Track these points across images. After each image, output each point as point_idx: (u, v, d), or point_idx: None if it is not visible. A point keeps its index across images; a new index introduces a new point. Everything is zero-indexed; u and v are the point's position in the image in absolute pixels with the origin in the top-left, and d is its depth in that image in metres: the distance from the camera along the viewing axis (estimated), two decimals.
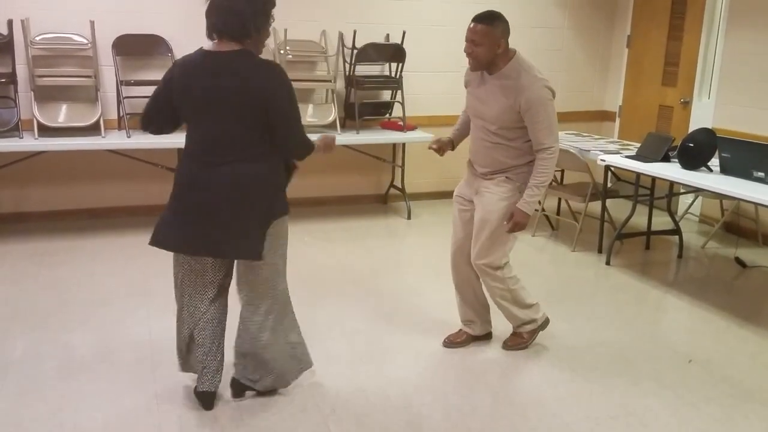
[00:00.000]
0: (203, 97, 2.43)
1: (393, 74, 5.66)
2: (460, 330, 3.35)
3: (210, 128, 2.46)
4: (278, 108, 2.43)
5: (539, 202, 5.24)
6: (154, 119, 2.58)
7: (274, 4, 2.52)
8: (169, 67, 2.59)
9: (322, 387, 2.89)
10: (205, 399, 2.68)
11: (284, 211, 2.59)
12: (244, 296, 2.68)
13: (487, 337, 3.38)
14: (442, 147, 3.27)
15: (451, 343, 3.32)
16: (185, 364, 2.75)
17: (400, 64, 5.55)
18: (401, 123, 5.60)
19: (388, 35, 5.71)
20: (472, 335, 3.34)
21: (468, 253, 3.16)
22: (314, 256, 4.55)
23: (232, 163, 2.46)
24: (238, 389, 2.75)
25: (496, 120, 2.99)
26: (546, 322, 3.35)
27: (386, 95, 5.79)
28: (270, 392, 2.78)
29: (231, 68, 2.40)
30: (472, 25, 2.99)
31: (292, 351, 2.75)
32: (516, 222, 2.99)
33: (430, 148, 3.31)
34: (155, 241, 2.59)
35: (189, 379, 2.89)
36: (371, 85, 5.57)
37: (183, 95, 2.47)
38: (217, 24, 2.42)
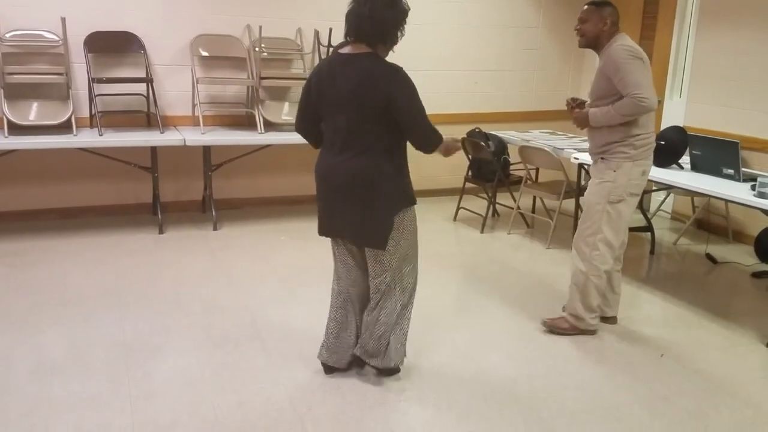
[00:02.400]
0: (334, 92, 2.62)
1: None
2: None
3: (339, 123, 2.65)
4: (400, 106, 2.58)
5: (514, 200, 5.29)
6: (302, 127, 2.82)
7: (407, 16, 2.68)
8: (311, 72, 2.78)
9: (300, 385, 2.88)
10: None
11: (409, 202, 2.76)
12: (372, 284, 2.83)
13: (611, 320, 3.59)
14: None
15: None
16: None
17: None
18: None
19: None
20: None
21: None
22: (290, 254, 4.53)
23: (357, 156, 2.64)
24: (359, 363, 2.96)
25: (594, 92, 3.26)
26: (593, 332, 3.47)
27: None
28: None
29: (359, 68, 2.58)
30: (583, 9, 3.26)
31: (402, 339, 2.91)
32: (576, 116, 3.31)
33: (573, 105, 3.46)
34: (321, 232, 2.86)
35: (162, 381, 2.87)
36: None
37: (319, 94, 2.67)
38: (357, 29, 2.60)
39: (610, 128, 3.23)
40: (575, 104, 3.44)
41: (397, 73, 2.59)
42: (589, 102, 3.37)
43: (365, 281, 2.87)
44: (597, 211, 3.29)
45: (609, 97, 3.18)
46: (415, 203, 2.80)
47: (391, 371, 2.92)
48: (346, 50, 2.64)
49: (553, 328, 3.47)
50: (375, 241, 2.71)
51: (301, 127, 2.83)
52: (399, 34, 2.65)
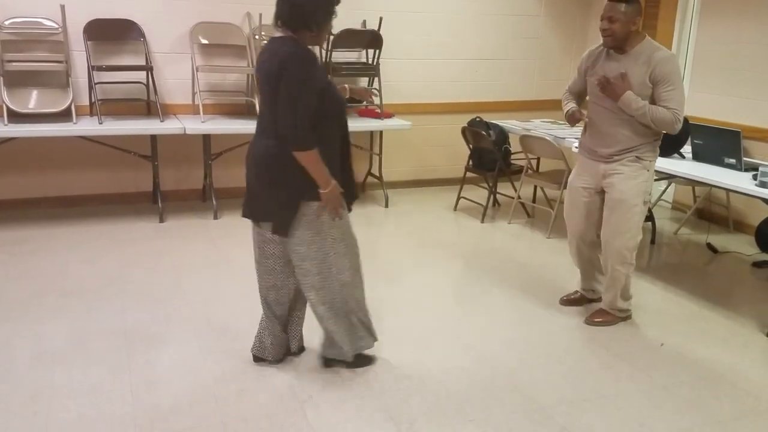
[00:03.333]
0: (258, 77, 2.64)
1: (370, 61, 5.64)
2: (576, 291, 3.72)
3: (261, 106, 2.66)
4: (281, 85, 2.47)
5: (515, 190, 5.28)
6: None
7: (338, 1, 2.61)
8: None
9: (300, 372, 2.89)
10: None
11: (317, 196, 2.59)
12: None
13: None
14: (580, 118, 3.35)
15: (566, 301, 3.70)
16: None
17: (377, 51, 5.53)
18: (378, 110, 5.58)
19: (364, 21, 5.68)
20: (588, 298, 3.68)
21: (589, 240, 3.45)
22: None
23: (267, 138, 2.60)
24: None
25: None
26: (629, 317, 3.54)
27: (363, 82, 5.76)
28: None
29: (272, 51, 2.55)
30: (608, 4, 3.09)
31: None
32: (610, 87, 3.09)
33: (577, 117, 3.34)
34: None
35: (163, 369, 2.88)
36: (348, 71, 5.54)
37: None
38: (277, 14, 2.55)
39: (639, 129, 3.16)
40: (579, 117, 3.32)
41: (295, 54, 2.48)
42: (600, 103, 3.23)
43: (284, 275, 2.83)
44: (636, 213, 3.23)
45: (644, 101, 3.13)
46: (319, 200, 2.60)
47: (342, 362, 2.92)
48: (275, 34, 2.63)
49: (602, 324, 3.46)
50: (276, 225, 2.66)
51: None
52: (325, 17, 2.56)
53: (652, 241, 4.92)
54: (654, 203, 5.57)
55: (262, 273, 2.86)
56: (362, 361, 2.95)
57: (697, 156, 4.18)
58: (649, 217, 4.94)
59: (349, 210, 2.76)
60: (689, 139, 4.24)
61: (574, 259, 3.60)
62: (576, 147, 4.52)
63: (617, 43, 3.10)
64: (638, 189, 3.21)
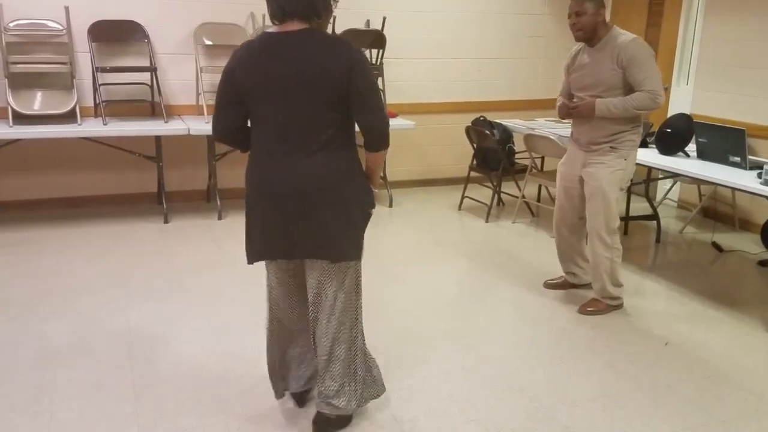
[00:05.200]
0: (275, 81, 2.15)
1: (373, 61, 5.64)
2: (561, 276, 3.90)
3: (284, 115, 2.18)
4: (358, 83, 2.15)
5: (519, 189, 5.27)
6: (222, 117, 2.29)
7: None
8: (229, 59, 2.27)
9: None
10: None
11: (371, 204, 2.36)
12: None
13: (586, 286, 3.80)
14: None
15: (550, 285, 3.89)
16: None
17: (381, 51, 5.53)
18: None
19: (368, 21, 5.68)
20: (570, 282, 3.86)
21: (570, 222, 3.66)
22: None
23: (315, 152, 2.19)
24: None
25: (602, 83, 3.28)
26: (621, 305, 3.65)
27: None
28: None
29: (302, 48, 2.14)
30: (574, 2, 3.29)
31: None
32: (579, 108, 3.31)
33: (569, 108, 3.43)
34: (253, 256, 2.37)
35: (166, 369, 2.88)
36: None
37: (251, 84, 2.19)
38: (285, 5, 2.16)
39: (618, 119, 3.31)
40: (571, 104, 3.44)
41: (350, 47, 2.18)
42: (581, 95, 3.42)
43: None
44: (613, 200, 3.39)
45: (615, 89, 3.27)
46: (373, 207, 2.39)
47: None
48: (278, 30, 2.20)
49: (594, 313, 3.56)
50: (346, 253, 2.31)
51: (224, 128, 2.30)
52: (332, 3, 2.24)
53: (657, 240, 4.90)
54: (659, 202, 5.55)
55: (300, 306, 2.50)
56: None
57: (702, 154, 4.16)
58: (654, 216, 4.92)
59: None
60: (694, 137, 4.22)
61: (556, 240, 3.80)
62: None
63: (588, 35, 3.30)
64: (614, 177, 3.36)
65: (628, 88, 3.25)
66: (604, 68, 3.27)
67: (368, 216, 2.38)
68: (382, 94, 2.32)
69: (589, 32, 3.28)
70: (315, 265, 2.32)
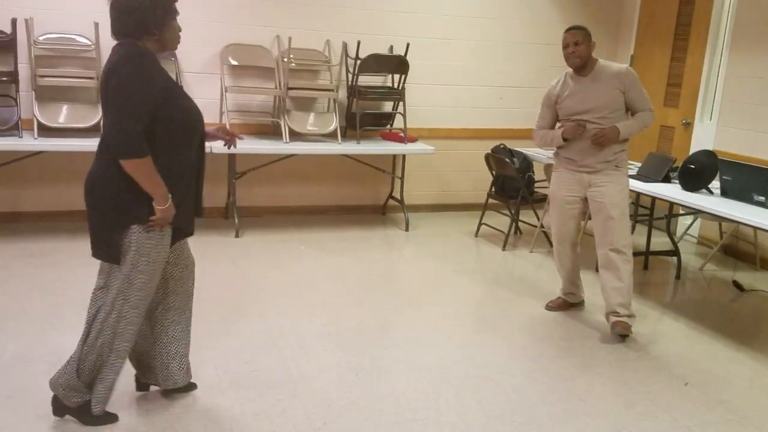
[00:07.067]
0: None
1: (395, 85, 5.66)
2: (559, 297, 4.06)
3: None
4: (111, 89, 2.28)
5: (538, 218, 5.23)
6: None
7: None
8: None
9: (316, 398, 2.86)
10: None
11: (140, 219, 2.44)
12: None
13: (580, 305, 4.06)
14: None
15: (552, 307, 4.02)
16: None
17: (403, 76, 5.55)
18: (402, 134, 5.59)
19: (391, 47, 5.72)
20: (569, 302, 4.04)
21: (572, 241, 3.87)
22: (309, 264, 4.52)
23: (97, 159, 2.51)
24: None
25: (606, 106, 3.56)
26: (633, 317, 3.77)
27: (388, 106, 5.79)
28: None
29: (108, 59, 2.37)
30: (570, 33, 3.58)
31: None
32: (606, 134, 3.52)
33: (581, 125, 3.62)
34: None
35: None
36: (373, 95, 5.57)
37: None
38: (115, 24, 2.32)
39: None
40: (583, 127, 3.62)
41: (126, 54, 2.28)
42: (578, 119, 3.62)
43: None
44: (626, 214, 3.64)
45: (617, 111, 3.59)
46: (144, 223, 2.46)
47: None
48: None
49: (627, 332, 3.61)
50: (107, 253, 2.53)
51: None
52: (171, 18, 2.36)
53: (677, 276, 4.84)
54: (680, 238, 5.48)
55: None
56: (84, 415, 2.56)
57: (726, 192, 4.11)
58: (675, 252, 4.86)
59: (191, 233, 2.67)
60: (718, 174, 4.17)
61: (558, 264, 3.96)
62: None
63: (583, 62, 3.58)
64: (624, 193, 3.66)
65: (625, 109, 3.62)
66: (606, 92, 3.56)
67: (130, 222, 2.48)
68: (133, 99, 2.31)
69: (584, 59, 3.56)
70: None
